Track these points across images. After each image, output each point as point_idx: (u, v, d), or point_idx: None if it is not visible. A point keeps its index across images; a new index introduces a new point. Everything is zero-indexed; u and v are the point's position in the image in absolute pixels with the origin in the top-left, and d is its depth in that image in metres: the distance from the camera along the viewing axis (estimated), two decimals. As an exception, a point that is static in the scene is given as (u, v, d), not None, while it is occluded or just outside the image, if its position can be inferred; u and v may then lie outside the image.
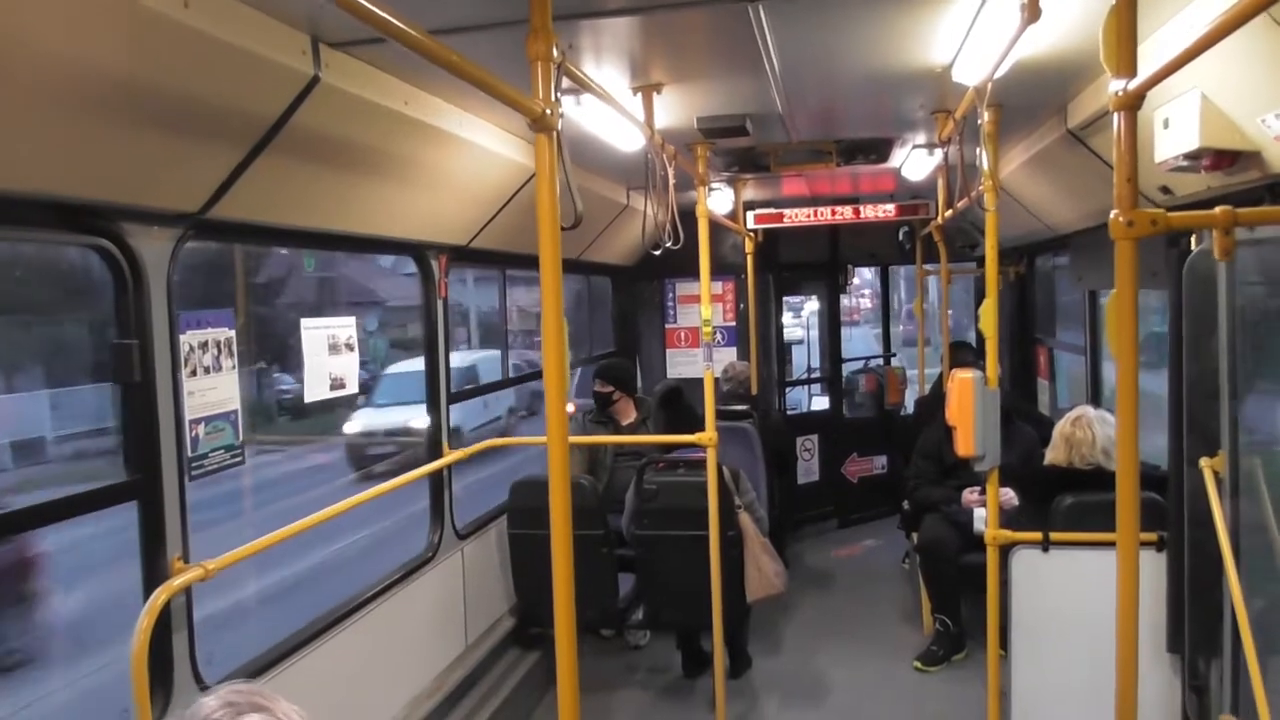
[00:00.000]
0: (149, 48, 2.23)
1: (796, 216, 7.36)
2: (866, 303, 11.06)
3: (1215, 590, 3.65)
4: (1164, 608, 3.95)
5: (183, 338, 2.93)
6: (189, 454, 2.96)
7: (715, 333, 7.10)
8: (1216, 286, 3.58)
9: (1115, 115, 2.36)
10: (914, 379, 9.26)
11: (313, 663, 3.64)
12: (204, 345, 3.01)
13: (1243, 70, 2.74)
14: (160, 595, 2.68)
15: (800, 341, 11.51)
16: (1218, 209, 2.34)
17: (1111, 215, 2.35)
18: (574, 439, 5.99)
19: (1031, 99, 4.17)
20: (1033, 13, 2.57)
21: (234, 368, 3.16)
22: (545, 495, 2.47)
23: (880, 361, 9.86)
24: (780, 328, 9.31)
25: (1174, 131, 3.14)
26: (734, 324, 8.49)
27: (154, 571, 2.86)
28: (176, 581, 2.77)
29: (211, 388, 3.06)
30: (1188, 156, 3.10)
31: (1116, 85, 2.32)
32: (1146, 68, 2.24)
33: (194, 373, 2.98)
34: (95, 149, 2.37)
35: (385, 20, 1.69)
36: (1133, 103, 2.31)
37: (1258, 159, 2.97)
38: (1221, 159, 3.03)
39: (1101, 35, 2.37)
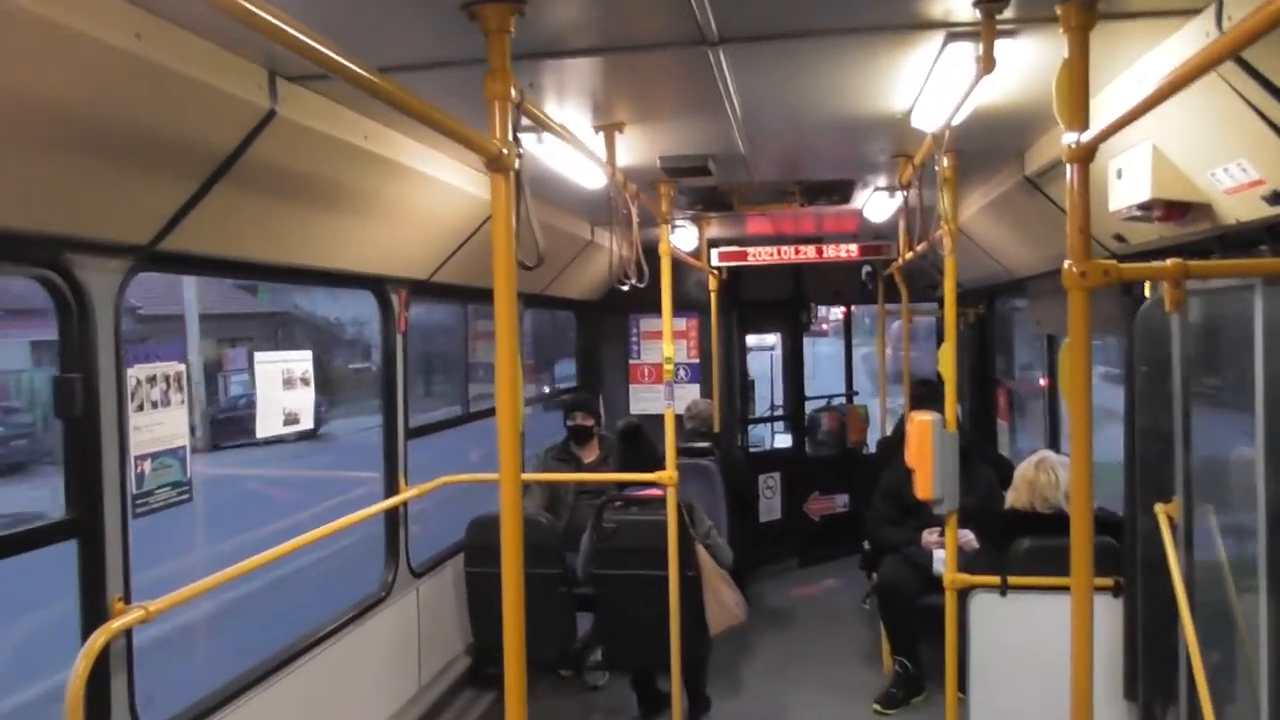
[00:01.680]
0: (99, 80, 2.19)
1: (760, 255, 7.41)
2: (837, 313, 11.12)
3: (1171, 636, 3.67)
4: (1120, 653, 3.96)
5: (130, 371, 2.86)
6: (133, 490, 2.88)
7: (677, 370, 7.09)
8: (1169, 336, 3.63)
9: (1068, 166, 2.39)
10: (876, 418, 9.30)
11: (260, 706, 3.54)
12: (152, 379, 2.94)
13: (1193, 125, 2.80)
14: (99, 637, 2.60)
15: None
16: (1169, 261, 2.37)
17: (1065, 265, 2.37)
18: (533, 476, 5.94)
19: (989, 146, 4.24)
20: (987, 64, 2.61)
21: (184, 403, 3.09)
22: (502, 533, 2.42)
23: (842, 400, 9.90)
24: (744, 364, 9.33)
25: (1127, 182, 3.20)
26: (697, 361, 8.49)
27: (93, 612, 2.76)
28: (116, 623, 2.68)
29: (159, 423, 2.99)
30: (1140, 207, 3.15)
31: (1069, 138, 2.35)
32: (1099, 120, 2.28)
33: (141, 407, 2.90)
34: (40, 179, 2.32)
35: (334, 60, 1.67)
36: (1085, 155, 2.34)
37: (1208, 211, 3.02)
38: (1173, 210, 3.08)
39: (1055, 89, 2.41)
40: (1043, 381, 7.27)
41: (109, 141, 2.38)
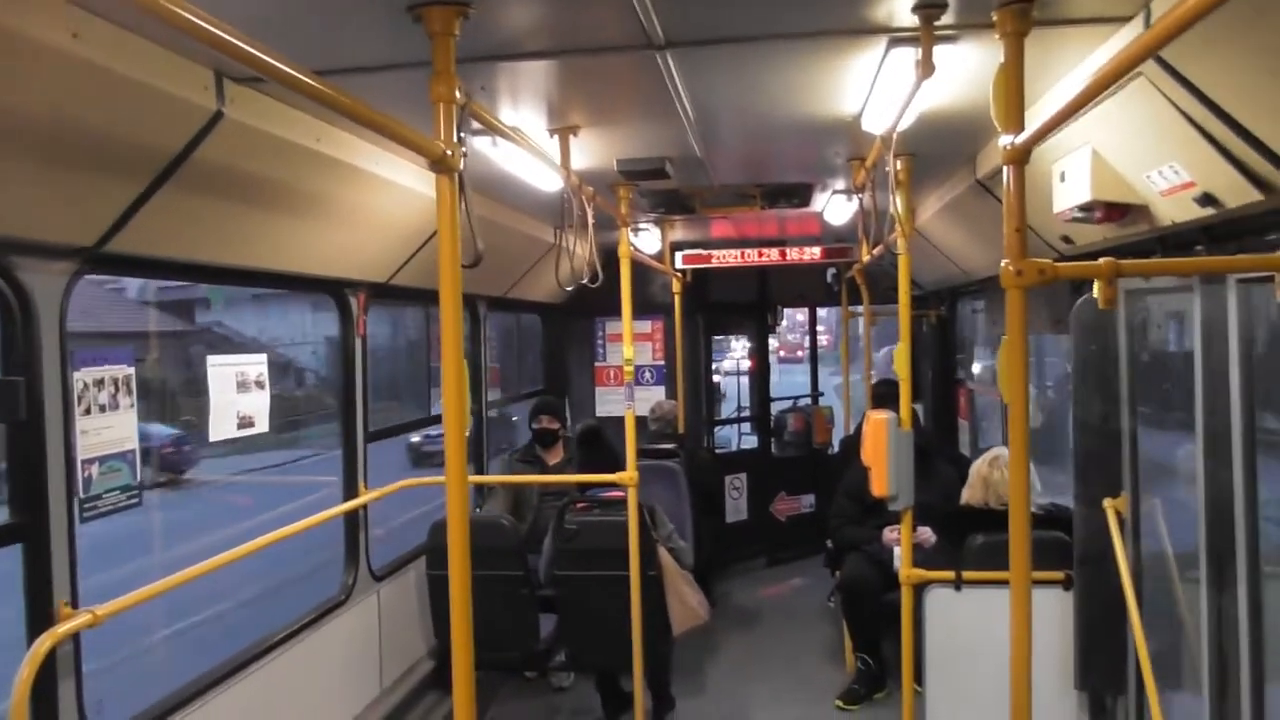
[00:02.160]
0: (35, 79, 2.18)
1: (724, 258, 7.45)
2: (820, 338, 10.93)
3: (1120, 628, 3.75)
4: (1071, 644, 4.03)
5: (77, 375, 2.84)
6: (81, 495, 2.86)
7: (637, 372, 7.11)
8: (1113, 333, 3.71)
9: (1005, 169, 2.44)
10: (841, 418, 9.38)
11: (215, 710, 3.52)
12: (100, 383, 2.93)
13: (1129, 129, 2.87)
14: (44, 642, 2.57)
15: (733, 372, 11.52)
16: (1101, 260, 2.43)
17: (1002, 264, 2.43)
18: (490, 478, 5.95)
19: (942, 149, 4.30)
20: (926, 69, 2.66)
21: (132, 406, 3.07)
22: (465, 536, 2.44)
23: (808, 401, 9.97)
24: (710, 366, 9.37)
25: (1069, 184, 3.27)
26: (662, 363, 8.52)
27: (40, 617, 2.74)
28: (62, 628, 2.66)
29: (107, 426, 2.97)
30: (1081, 208, 3.22)
31: (1006, 140, 2.41)
32: (1037, 124, 2.33)
33: (88, 411, 2.88)
34: (-20, 180, 2.31)
35: (270, 64, 1.68)
36: (1021, 156, 2.40)
37: (1146, 212, 3.10)
38: (1113, 211, 3.16)
39: (991, 92, 2.46)
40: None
41: (49, 142, 2.36)
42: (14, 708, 2.45)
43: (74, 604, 2.79)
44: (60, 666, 2.77)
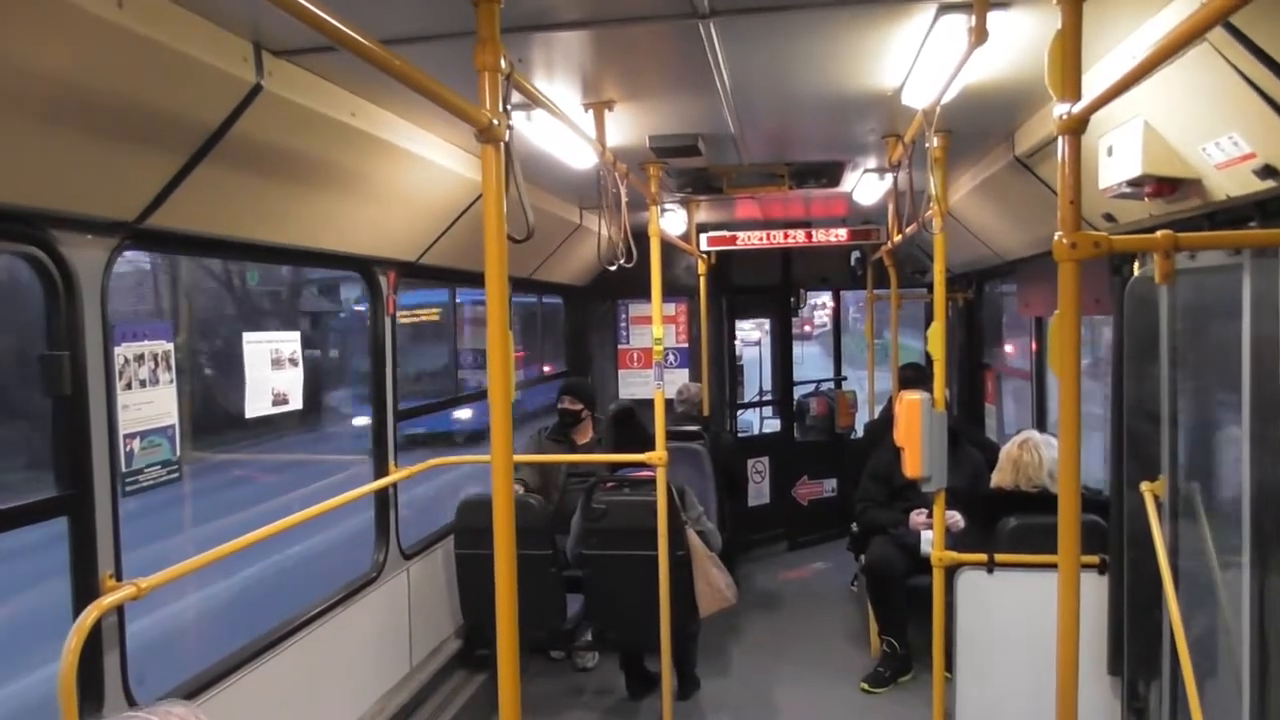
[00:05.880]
0: (79, 49, 2.16)
1: (749, 239, 7.40)
2: (823, 316, 10.59)
3: (1155, 613, 3.70)
4: (1105, 630, 3.99)
5: (118, 350, 2.84)
6: (123, 469, 2.86)
7: (666, 355, 7.09)
8: (1157, 312, 3.65)
9: (1060, 139, 2.39)
10: (865, 402, 9.33)
11: (250, 685, 3.53)
12: (140, 358, 2.92)
13: (1184, 99, 2.80)
14: (90, 614, 2.59)
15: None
16: (1159, 233, 2.37)
17: (1055, 237, 2.38)
18: (523, 457, 5.94)
19: (980, 125, 4.24)
20: (979, 35, 2.60)
21: (172, 382, 3.06)
22: (492, 514, 2.42)
23: (831, 385, 9.92)
24: (733, 350, 9.34)
25: (1117, 159, 3.20)
26: (686, 345, 8.50)
27: (84, 589, 2.76)
28: (107, 600, 2.67)
29: (148, 401, 2.97)
30: (1130, 183, 3.15)
31: (1061, 109, 2.35)
32: (1091, 93, 2.28)
33: (129, 386, 2.88)
34: (22, 152, 2.29)
35: (332, 26, 1.66)
36: (1077, 126, 2.34)
37: (1198, 186, 3.03)
38: (1163, 186, 3.09)
39: (1047, 59, 2.40)
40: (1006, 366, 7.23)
41: (92, 114, 2.35)
42: (62, 679, 2.45)
43: (118, 576, 2.80)
44: (105, 638, 2.78)
